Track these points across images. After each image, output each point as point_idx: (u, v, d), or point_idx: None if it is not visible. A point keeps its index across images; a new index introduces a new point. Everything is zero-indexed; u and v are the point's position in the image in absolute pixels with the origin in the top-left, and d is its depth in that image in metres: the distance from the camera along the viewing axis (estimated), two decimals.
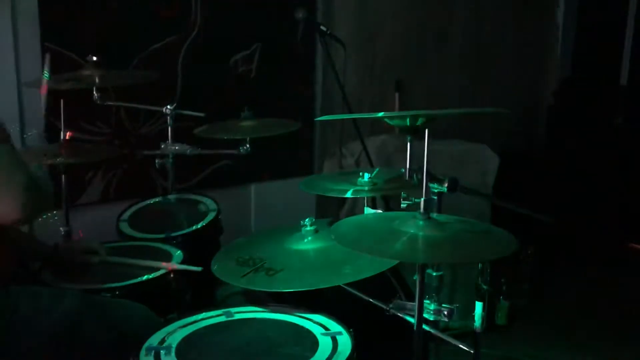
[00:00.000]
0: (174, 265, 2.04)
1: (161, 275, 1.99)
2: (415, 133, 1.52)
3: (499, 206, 3.29)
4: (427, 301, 1.60)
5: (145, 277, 1.97)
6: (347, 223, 1.62)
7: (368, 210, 1.92)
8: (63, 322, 1.65)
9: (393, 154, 3.24)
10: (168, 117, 2.60)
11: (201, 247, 2.30)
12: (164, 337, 1.57)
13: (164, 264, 2.04)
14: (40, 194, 1.61)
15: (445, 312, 1.60)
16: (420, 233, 1.43)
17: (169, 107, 2.60)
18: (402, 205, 1.64)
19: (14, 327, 1.60)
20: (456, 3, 4.22)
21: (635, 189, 4.27)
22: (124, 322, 1.74)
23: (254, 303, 1.75)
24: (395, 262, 1.62)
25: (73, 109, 2.43)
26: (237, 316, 1.70)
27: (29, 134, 2.71)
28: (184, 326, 1.64)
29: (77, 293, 1.75)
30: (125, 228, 2.45)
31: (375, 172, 1.91)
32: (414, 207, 1.53)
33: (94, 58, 2.45)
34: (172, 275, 2.01)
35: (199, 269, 2.00)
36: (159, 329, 1.62)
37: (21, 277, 1.84)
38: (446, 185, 1.52)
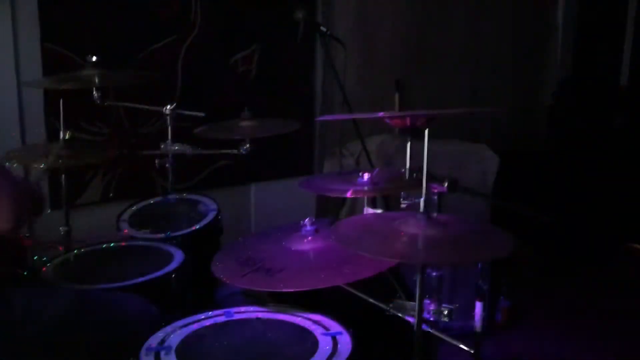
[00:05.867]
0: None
1: (161, 276, 2.00)
2: (416, 133, 1.52)
3: (499, 206, 3.29)
4: (427, 301, 1.60)
5: (145, 278, 1.97)
6: (347, 223, 1.62)
7: (368, 210, 1.92)
8: (58, 321, 1.65)
9: (393, 154, 3.24)
10: (168, 117, 2.60)
11: (201, 247, 2.30)
12: (164, 337, 1.57)
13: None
14: (28, 200, 1.62)
15: (445, 312, 1.60)
16: (420, 233, 1.43)
17: (169, 107, 2.60)
18: (402, 205, 1.64)
19: (9, 326, 1.60)
20: (456, 3, 4.22)
21: (635, 189, 4.27)
22: (120, 317, 1.74)
23: (254, 303, 1.75)
24: (395, 262, 1.62)
25: (73, 109, 2.43)
26: (237, 316, 1.70)
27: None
28: (184, 326, 1.64)
29: (72, 291, 1.74)
30: (126, 228, 2.45)
31: (375, 172, 1.91)
32: (414, 207, 1.53)
33: (94, 58, 2.45)
34: (172, 276, 2.01)
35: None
36: (156, 320, 1.62)
37: (17, 276, 1.84)
38: (446, 185, 1.52)
